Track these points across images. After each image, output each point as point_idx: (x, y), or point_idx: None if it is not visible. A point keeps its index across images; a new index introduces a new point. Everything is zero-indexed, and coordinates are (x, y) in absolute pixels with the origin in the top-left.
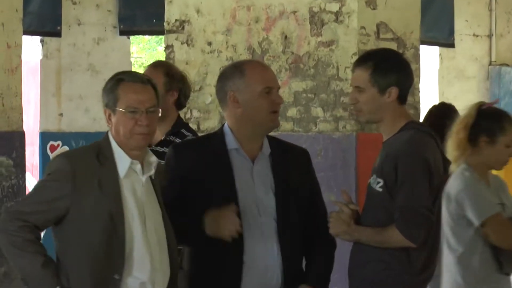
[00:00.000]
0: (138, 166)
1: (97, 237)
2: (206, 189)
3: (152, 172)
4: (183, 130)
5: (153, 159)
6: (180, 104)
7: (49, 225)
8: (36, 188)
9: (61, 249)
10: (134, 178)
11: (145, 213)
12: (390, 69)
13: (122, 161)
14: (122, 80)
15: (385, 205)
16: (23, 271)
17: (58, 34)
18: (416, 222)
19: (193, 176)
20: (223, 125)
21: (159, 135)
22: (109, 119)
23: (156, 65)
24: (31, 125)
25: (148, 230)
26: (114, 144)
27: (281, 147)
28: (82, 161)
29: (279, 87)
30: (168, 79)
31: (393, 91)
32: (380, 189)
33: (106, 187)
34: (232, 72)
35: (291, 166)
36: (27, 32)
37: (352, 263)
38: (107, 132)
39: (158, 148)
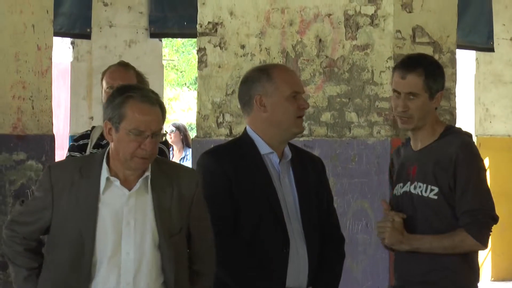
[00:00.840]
0: (117, 182)
1: (66, 252)
2: (250, 197)
3: (137, 187)
4: None
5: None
6: None
7: (36, 235)
8: (29, 198)
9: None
10: (117, 193)
11: (122, 231)
12: (438, 74)
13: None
14: (131, 97)
15: (442, 212)
16: (13, 280)
17: (88, 36)
18: (487, 225)
19: (235, 182)
20: (245, 129)
21: None
22: (108, 133)
23: (127, 65)
24: (61, 129)
25: (123, 249)
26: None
27: (299, 153)
28: (63, 173)
29: (304, 92)
30: (139, 79)
31: (439, 96)
32: (435, 197)
33: (82, 201)
34: (259, 76)
35: (309, 172)
36: (58, 33)
37: (410, 272)
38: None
39: None
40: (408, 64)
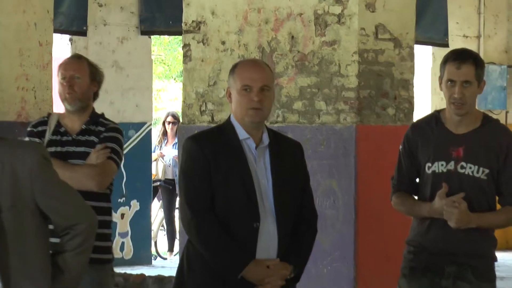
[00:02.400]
0: None
1: None
2: (225, 176)
3: None
4: (102, 119)
5: None
6: (96, 95)
7: None
8: None
9: None
10: None
11: None
12: (483, 65)
13: None
14: None
15: (489, 191)
16: None
17: (84, 33)
18: None
19: (214, 165)
20: (229, 117)
21: (79, 125)
22: None
23: (80, 57)
24: None
25: None
26: None
27: (278, 139)
28: None
29: (263, 87)
30: (93, 70)
31: (483, 85)
32: (485, 177)
33: None
34: (231, 70)
35: (286, 156)
36: (57, 31)
37: (460, 240)
38: None
39: (80, 137)
40: (462, 56)
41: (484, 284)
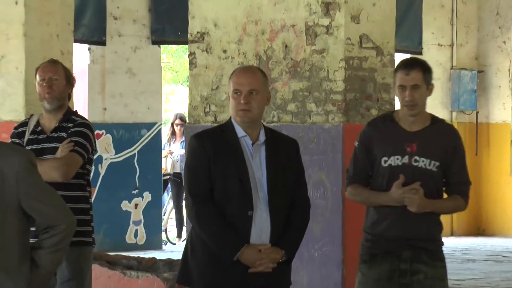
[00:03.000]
0: None
1: None
2: (223, 170)
3: None
4: (73, 116)
5: None
6: (70, 96)
7: None
8: None
9: None
10: None
11: None
12: (430, 70)
13: None
14: None
15: (438, 181)
16: None
17: (103, 43)
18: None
19: (213, 159)
20: (230, 117)
21: (54, 123)
22: None
23: (55, 61)
24: None
25: None
26: None
27: (274, 136)
28: None
29: (251, 91)
30: (67, 73)
31: (432, 87)
32: (436, 169)
33: None
34: (230, 76)
35: (281, 152)
36: (79, 41)
37: (416, 230)
38: None
39: (53, 134)
40: (410, 64)
41: (437, 263)
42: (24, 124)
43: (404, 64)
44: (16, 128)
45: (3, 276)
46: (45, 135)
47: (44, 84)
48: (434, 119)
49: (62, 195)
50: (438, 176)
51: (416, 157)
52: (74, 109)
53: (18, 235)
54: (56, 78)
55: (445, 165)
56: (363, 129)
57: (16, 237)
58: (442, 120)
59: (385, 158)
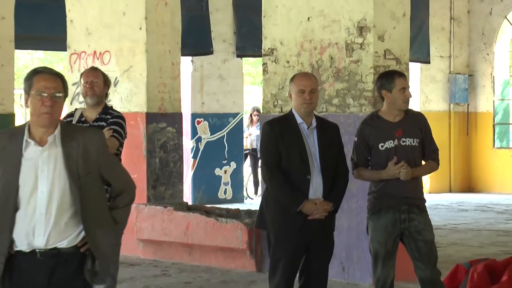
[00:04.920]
0: (32, 142)
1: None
2: (287, 146)
3: (48, 143)
4: (110, 110)
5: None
6: (107, 95)
7: None
8: None
9: None
10: (33, 150)
11: (38, 176)
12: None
13: (24, 139)
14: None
15: (419, 152)
16: None
17: (211, 53)
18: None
19: (280, 139)
20: (291, 109)
21: (95, 115)
22: (26, 103)
23: (96, 69)
24: (186, 109)
25: (38, 188)
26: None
27: (322, 122)
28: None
29: (312, 90)
30: (105, 77)
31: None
32: (417, 144)
33: (8, 159)
34: (290, 79)
35: (328, 133)
36: (183, 54)
37: (406, 192)
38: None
39: (95, 123)
40: (399, 73)
41: (424, 214)
42: (71, 115)
43: (396, 73)
44: (64, 118)
45: (101, 231)
46: (88, 124)
47: (87, 85)
48: (407, 111)
49: None
50: (419, 149)
51: (403, 139)
52: (114, 106)
53: (102, 197)
54: (97, 81)
55: (422, 140)
56: (359, 127)
57: (102, 199)
58: (411, 109)
59: (382, 144)
